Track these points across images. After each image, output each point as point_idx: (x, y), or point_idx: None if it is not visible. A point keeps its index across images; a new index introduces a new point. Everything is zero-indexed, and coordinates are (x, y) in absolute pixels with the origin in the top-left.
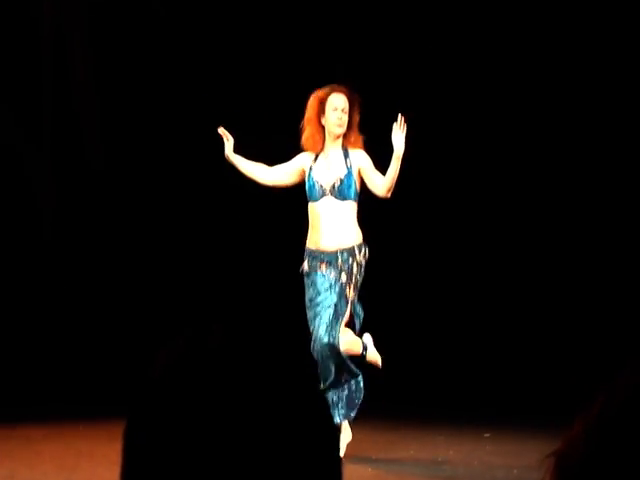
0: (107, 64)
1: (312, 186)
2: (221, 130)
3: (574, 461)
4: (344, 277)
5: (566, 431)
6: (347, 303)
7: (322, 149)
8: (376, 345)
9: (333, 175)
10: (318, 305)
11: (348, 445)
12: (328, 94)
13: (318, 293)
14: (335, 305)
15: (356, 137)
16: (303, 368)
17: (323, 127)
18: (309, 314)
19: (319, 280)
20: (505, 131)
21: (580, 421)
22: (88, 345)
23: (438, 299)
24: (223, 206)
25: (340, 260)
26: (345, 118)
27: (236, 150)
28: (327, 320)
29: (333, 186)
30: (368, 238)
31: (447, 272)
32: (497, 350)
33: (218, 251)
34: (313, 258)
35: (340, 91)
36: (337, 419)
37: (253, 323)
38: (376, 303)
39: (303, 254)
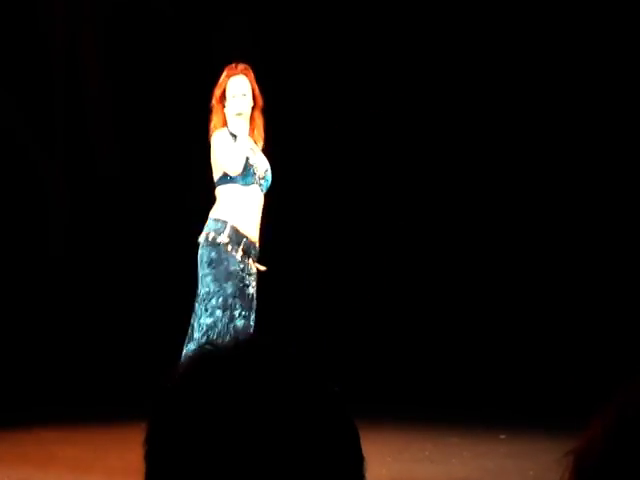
0: (120, 67)
1: (265, 179)
2: None
3: (593, 460)
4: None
5: (584, 430)
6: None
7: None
8: (391, 346)
9: (265, 166)
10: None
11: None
12: (227, 79)
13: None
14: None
15: (260, 120)
16: (318, 370)
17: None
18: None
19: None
20: (503, 131)
21: (598, 420)
22: (103, 348)
23: (456, 299)
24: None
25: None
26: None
27: None
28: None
29: (268, 179)
30: (375, 236)
31: (460, 272)
32: (513, 351)
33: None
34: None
35: (239, 72)
36: None
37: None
38: (391, 304)
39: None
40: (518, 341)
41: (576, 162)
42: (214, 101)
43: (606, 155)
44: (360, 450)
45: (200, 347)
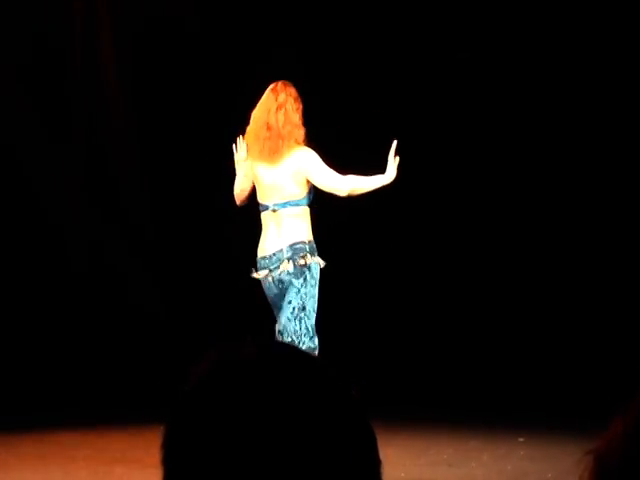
0: (137, 70)
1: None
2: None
3: (614, 459)
4: None
5: (604, 431)
6: None
7: None
8: (410, 349)
9: None
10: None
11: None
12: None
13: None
14: None
15: None
16: (337, 375)
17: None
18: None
19: None
20: (501, 131)
21: (619, 420)
22: (120, 350)
23: (475, 303)
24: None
25: None
26: None
27: None
28: None
29: None
30: (374, 236)
31: (477, 274)
32: (533, 353)
33: (244, 259)
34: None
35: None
36: None
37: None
38: (411, 307)
39: (314, 252)
40: (537, 343)
41: (576, 162)
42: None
43: (606, 155)
44: (377, 454)
45: (219, 350)
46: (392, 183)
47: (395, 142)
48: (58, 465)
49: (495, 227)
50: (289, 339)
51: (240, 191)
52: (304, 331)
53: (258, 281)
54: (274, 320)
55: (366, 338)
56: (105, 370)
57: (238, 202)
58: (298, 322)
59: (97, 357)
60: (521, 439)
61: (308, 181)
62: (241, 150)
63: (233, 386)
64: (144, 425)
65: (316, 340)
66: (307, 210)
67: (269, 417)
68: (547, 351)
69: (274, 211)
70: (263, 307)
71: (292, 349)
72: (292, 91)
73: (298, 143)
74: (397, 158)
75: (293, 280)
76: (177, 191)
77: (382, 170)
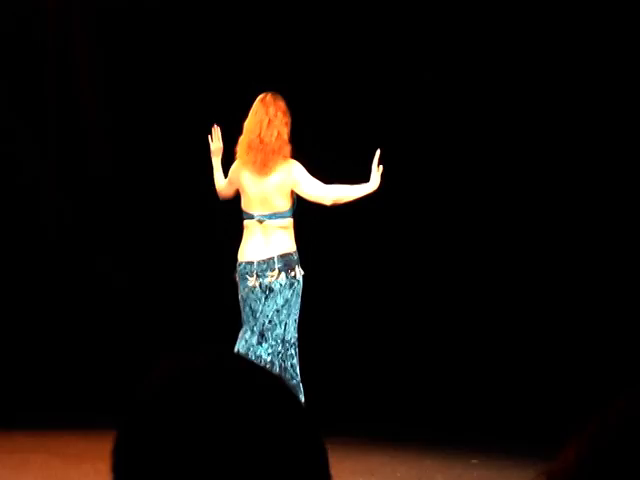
0: (113, 66)
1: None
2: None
3: None
4: None
5: (558, 453)
6: None
7: None
8: (366, 367)
9: None
10: None
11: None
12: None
13: None
14: None
15: None
16: (288, 389)
17: None
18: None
19: None
20: (503, 131)
21: (573, 443)
22: (73, 353)
23: (430, 320)
24: (229, 212)
25: None
26: None
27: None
28: None
29: None
30: (363, 245)
31: (437, 289)
32: (486, 376)
33: (222, 259)
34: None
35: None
36: None
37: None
38: (369, 322)
39: (299, 263)
40: (492, 366)
41: (576, 163)
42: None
43: (606, 155)
44: (327, 468)
45: (171, 357)
46: (375, 192)
47: (379, 151)
48: (12, 469)
49: (470, 245)
50: (273, 343)
51: (223, 194)
52: (290, 339)
53: (223, 282)
54: (240, 324)
55: (325, 354)
56: (57, 372)
57: (220, 199)
58: (283, 329)
59: (49, 360)
60: (474, 461)
61: (292, 193)
62: (216, 140)
63: (184, 396)
64: (97, 428)
65: (296, 349)
66: (292, 221)
67: (218, 428)
68: (502, 373)
69: (260, 222)
70: (227, 308)
71: (245, 360)
72: (281, 105)
73: (285, 157)
74: (380, 167)
75: (283, 290)
76: (149, 180)
77: (366, 179)
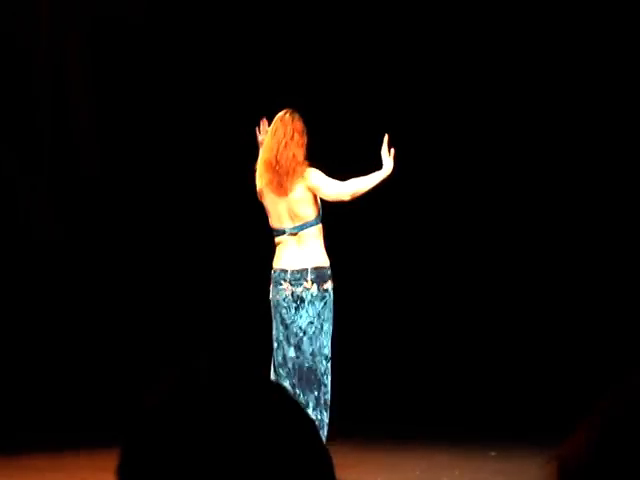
0: (104, 72)
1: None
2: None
3: (575, 465)
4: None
5: (568, 437)
6: None
7: None
8: (379, 364)
9: None
10: None
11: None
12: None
13: None
14: None
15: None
16: (291, 398)
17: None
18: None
19: None
20: (503, 131)
21: (582, 428)
22: (85, 373)
23: (442, 317)
24: (221, 215)
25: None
26: None
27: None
28: None
29: None
30: (363, 246)
31: (444, 288)
32: (503, 368)
33: (214, 263)
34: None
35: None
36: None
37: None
38: (376, 321)
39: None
40: (509, 359)
41: (575, 161)
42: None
43: (605, 156)
44: (333, 476)
45: (172, 372)
46: (391, 175)
47: (387, 136)
48: None
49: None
50: (308, 357)
51: None
52: (321, 351)
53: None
54: (270, 331)
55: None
56: (70, 393)
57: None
58: (316, 342)
59: (61, 380)
60: (493, 453)
61: (316, 200)
62: (264, 132)
63: (189, 411)
64: (112, 448)
65: (329, 363)
66: (321, 227)
67: (222, 441)
68: (518, 368)
69: (294, 234)
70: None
71: (247, 371)
72: (299, 125)
73: (300, 176)
74: (392, 150)
75: (315, 302)
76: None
77: (379, 167)
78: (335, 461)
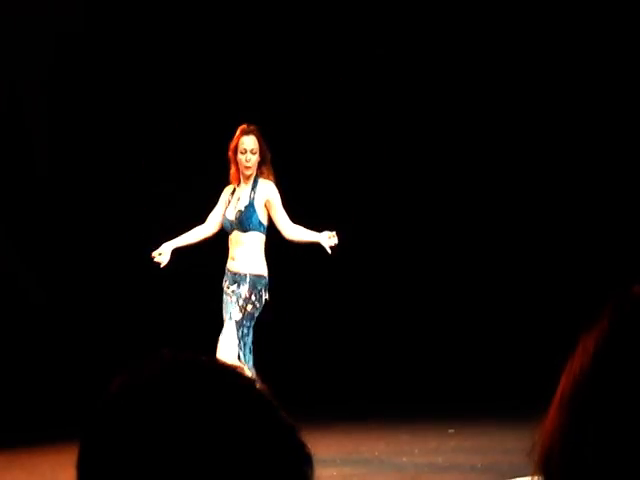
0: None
1: (225, 222)
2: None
3: (556, 454)
4: (239, 300)
5: (533, 422)
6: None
7: (239, 183)
8: (341, 345)
9: (237, 209)
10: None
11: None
12: (239, 137)
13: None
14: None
15: (268, 171)
16: (260, 392)
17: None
18: None
19: (224, 297)
20: (502, 131)
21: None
22: (41, 370)
23: (402, 297)
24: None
25: (239, 284)
26: (254, 158)
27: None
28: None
29: (235, 219)
30: (362, 243)
31: (419, 269)
32: (460, 347)
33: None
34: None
35: (249, 132)
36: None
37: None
38: (343, 307)
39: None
40: (466, 337)
41: (573, 161)
42: (230, 153)
43: (604, 155)
44: (300, 448)
45: (130, 366)
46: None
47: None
48: None
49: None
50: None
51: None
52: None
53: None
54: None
55: (296, 336)
56: (25, 390)
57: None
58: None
59: (15, 378)
60: (451, 430)
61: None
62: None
63: (144, 401)
64: (72, 443)
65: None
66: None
67: (180, 430)
68: (474, 344)
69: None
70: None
71: (214, 363)
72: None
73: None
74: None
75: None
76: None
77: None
78: None
